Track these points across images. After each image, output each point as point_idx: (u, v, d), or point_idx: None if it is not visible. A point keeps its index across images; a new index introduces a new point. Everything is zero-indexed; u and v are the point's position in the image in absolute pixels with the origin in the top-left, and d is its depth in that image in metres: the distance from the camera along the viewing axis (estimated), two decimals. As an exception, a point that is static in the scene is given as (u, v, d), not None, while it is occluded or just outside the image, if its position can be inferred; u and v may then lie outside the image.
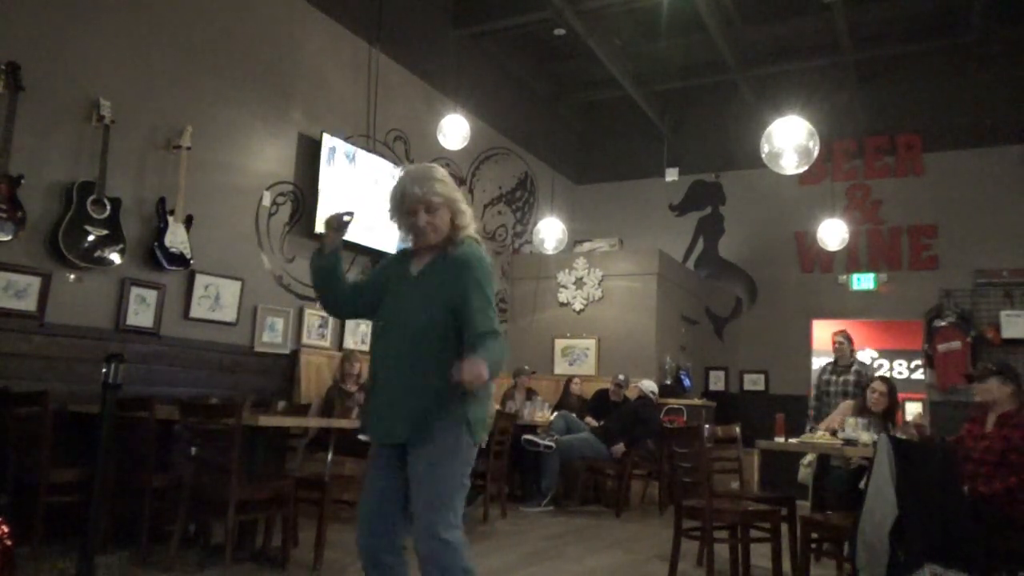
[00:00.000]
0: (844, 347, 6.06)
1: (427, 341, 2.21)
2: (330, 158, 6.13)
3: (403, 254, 2.43)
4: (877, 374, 6.11)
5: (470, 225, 2.34)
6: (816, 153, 5.36)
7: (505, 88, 8.80)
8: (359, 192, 6.35)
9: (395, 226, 2.37)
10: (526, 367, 7.62)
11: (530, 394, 7.38)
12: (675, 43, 7.97)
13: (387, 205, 2.35)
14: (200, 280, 5.14)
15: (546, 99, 9.47)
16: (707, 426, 4.06)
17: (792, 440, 4.25)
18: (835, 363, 6.12)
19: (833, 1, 6.94)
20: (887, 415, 4.55)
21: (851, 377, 5.95)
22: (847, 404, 5.10)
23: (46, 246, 4.28)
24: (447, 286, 2.23)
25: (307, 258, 6.02)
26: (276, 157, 5.85)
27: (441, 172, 2.35)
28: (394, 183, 2.34)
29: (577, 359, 8.18)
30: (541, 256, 8.48)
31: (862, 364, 6.08)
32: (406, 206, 2.28)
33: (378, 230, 6.51)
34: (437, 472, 2.18)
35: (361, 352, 6.17)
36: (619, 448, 6.41)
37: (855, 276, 8.65)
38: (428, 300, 2.25)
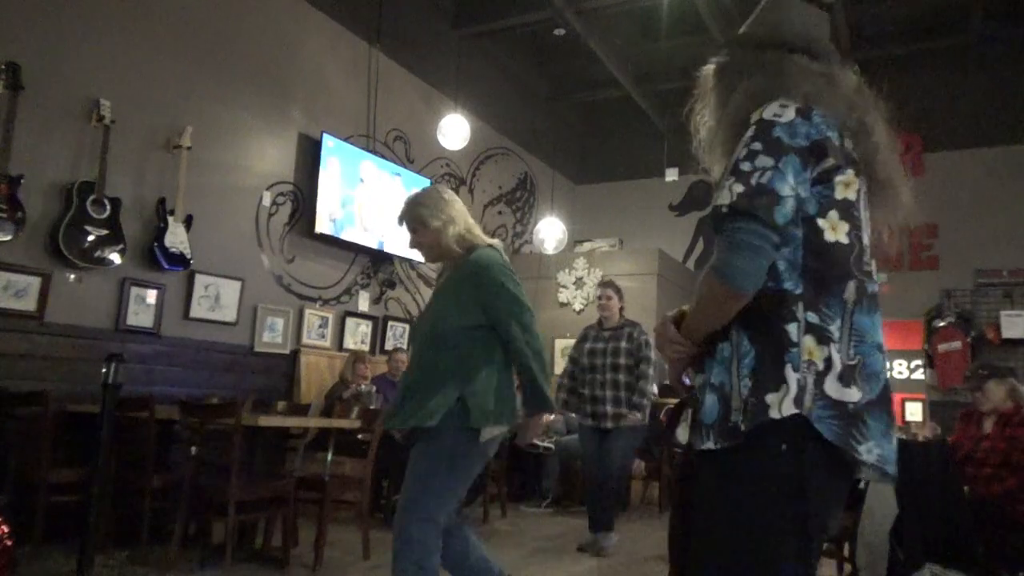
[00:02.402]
0: (613, 304, 4.70)
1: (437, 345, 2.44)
2: (329, 158, 6.14)
3: None
4: None
5: (459, 239, 2.54)
6: (816, 153, 5.36)
7: (505, 88, 8.80)
8: (358, 193, 6.36)
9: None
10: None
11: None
12: (675, 43, 7.97)
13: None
14: (200, 280, 5.14)
15: (546, 99, 9.47)
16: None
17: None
18: (600, 325, 4.79)
19: (833, 1, 6.94)
20: None
21: (623, 344, 4.60)
22: None
23: (46, 246, 4.28)
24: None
25: (307, 258, 6.04)
26: (276, 157, 5.85)
27: (423, 195, 2.59)
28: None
29: (577, 359, 8.19)
30: (541, 256, 8.48)
31: (634, 326, 4.70)
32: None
33: (376, 230, 6.52)
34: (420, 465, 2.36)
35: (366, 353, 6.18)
36: (639, 465, 6.44)
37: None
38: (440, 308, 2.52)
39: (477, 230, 2.62)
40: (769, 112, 1.31)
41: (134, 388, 4.39)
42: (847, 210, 1.32)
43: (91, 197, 4.40)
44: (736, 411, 1.25)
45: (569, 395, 4.79)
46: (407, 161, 7.18)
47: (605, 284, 4.87)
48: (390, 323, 6.90)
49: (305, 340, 5.99)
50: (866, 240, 1.36)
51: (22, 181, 4.08)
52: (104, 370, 2.89)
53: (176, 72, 5.07)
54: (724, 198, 1.25)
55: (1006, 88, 8.13)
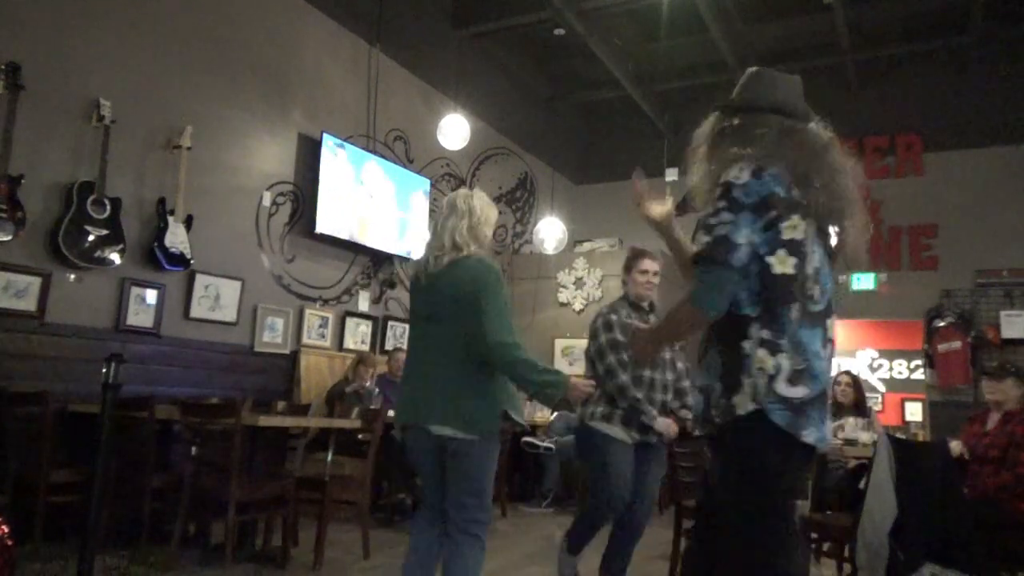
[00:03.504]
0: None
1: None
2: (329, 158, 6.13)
3: None
4: (841, 369, 5.22)
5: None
6: (816, 153, 5.35)
7: (505, 88, 8.80)
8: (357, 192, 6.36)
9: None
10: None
11: (530, 394, 7.38)
12: (675, 43, 7.97)
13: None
14: (200, 280, 5.14)
15: (546, 99, 9.47)
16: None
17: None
18: (636, 306, 3.64)
19: (833, 1, 6.94)
20: (858, 407, 4.82)
21: None
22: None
23: (46, 246, 4.28)
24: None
25: (307, 258, 6.03)
26: (276, 157, 5.85)
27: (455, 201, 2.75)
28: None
29: (577, 359, 8.16)
30: (541, 256, 8.49)
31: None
32: None
33: (377, 231, 6.52)
34: None
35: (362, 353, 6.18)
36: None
37: (855, 276, 8.64)
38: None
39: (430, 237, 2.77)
40: (731, 175, 1.75)
41: (134, 388, 4.38)
42: (795, 247, 1.73)
43: (91, 197, 4.40)
44: (713, 408, 1.78)
45: (614, 379, 3.33)
46: (407, 161, 7.18)
47: (650, 255, 3.74)
48: (390, 323, 6.90)
49: (305, 340, 5.99)
50: (809, 270, 1.75)
51: (22, 181, 4.08)
52: (104, 370, 2.88)
53: (176, 72, 5.07)
54: (697, 248, 1.76)
55: (1006, 88, 8.13)
